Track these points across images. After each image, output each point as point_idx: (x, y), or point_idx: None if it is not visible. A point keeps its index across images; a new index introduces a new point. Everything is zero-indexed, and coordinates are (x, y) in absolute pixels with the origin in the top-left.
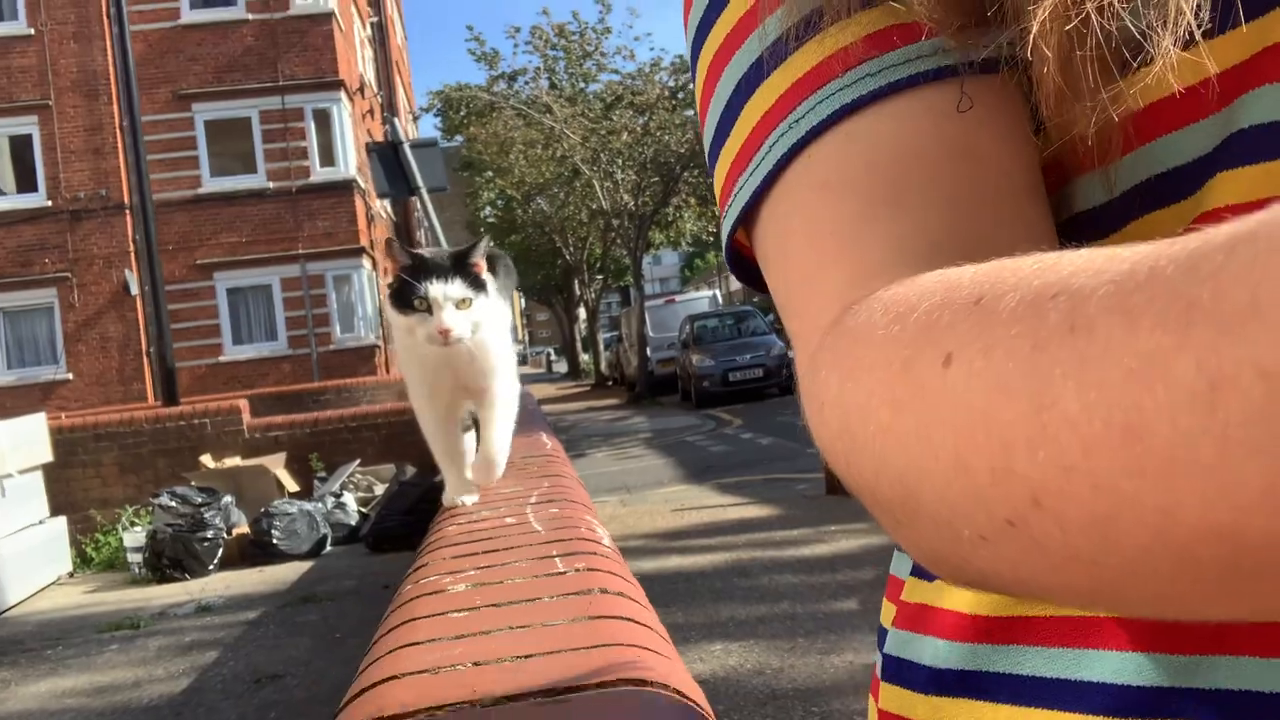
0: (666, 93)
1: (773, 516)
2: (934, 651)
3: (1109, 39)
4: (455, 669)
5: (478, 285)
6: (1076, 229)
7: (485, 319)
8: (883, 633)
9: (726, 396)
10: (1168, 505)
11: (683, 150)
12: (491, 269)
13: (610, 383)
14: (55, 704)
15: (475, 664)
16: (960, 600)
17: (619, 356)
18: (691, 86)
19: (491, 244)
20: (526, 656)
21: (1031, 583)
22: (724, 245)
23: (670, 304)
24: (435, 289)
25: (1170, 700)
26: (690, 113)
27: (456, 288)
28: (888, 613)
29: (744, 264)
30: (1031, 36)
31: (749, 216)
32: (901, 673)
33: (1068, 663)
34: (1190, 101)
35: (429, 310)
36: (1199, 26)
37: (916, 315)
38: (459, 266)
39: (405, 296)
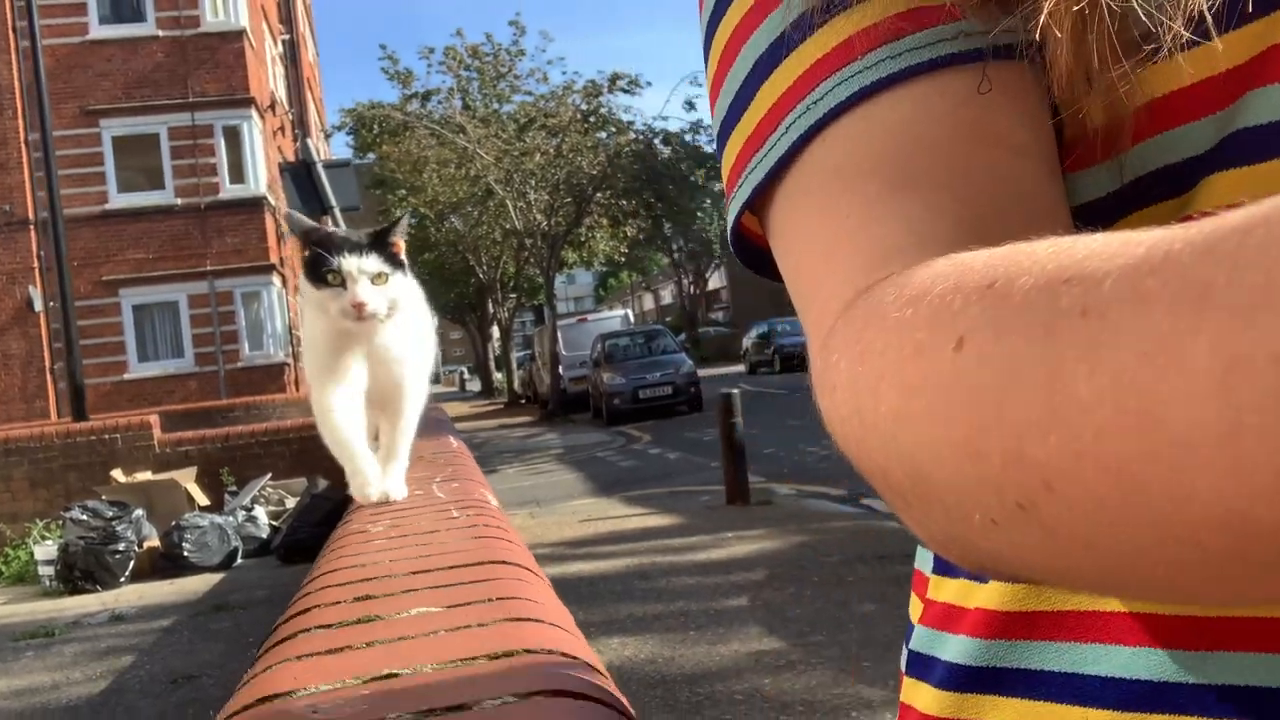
0: (579, 115)
1: (674, 525)
2: (956, 648)
3: (1120, 22)
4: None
5: (395, 263)
6: (1081, 220)
7: (402, 299)
8: (910, 628)
9: (636, 413)
10: (1178, 492)
11: (594, 172)
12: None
13: (524, 401)
14: None
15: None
16: (985, 598)
17: (532, 375)
18: (603, 110)
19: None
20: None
21: (1041, 567)
22: (729, 227)
23: (583, 323)
24: (350, 262)
25: (1179, 695)
26: (602, 135)
27: (372, 262)
28: (915, 609)
29: (748, 248)
30: (1044, 16)
31: (759, 199)
32: (924, 669)
33: (1078, 657)
34: (1196, 97)
35: (343, 284)
36: (1209, 8)
37: (929, 299)
38: (376, 243)
39: (318, 269)
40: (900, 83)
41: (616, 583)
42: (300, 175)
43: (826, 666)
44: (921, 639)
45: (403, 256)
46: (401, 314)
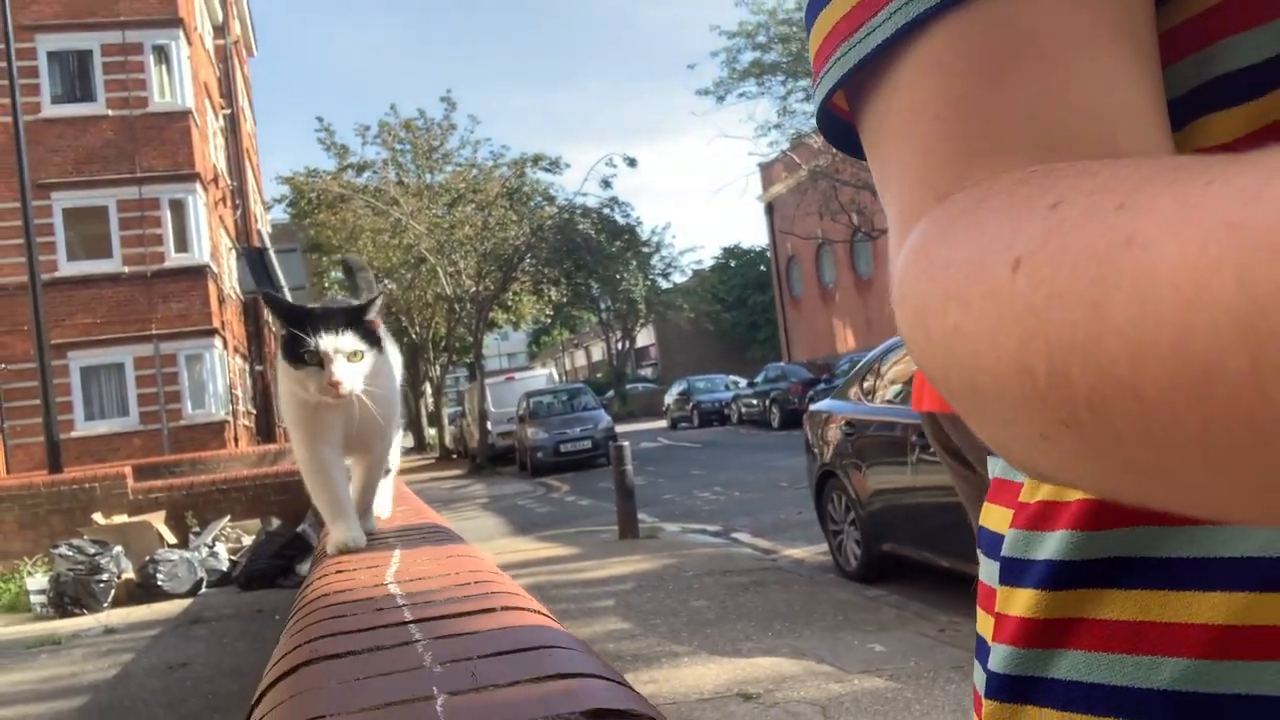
0: (505, 190)
1: (571, 554)
2: (1055, 545)
3: None
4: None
5: (371, 339)
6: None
7: (376, 373)
8: (995, 541)
9: (558, 466)
10: (1209, 420)
11: (519, 243)
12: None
13: (455, 455)
14: (10, 690)
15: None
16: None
17: (463, 430)
18: (525, 188)
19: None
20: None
21: (1091, 480)
22: (816, 106)
23: (510, 380)
24: (326, 342)
25: None
26: (531, 204)
27: (348, 340)
28: (1002, 517)
29: (837, 126)
30: None
31: (851, 84)
32: (1019, 573)
33: (1212, 541)
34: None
35: (320, 364)
36: None
37: (996, 217)
38: (352, 320)
39: (295, 349)
40: None
41: None
42: (255, 258)
43: (654, 636)
44: (1015, 543)
45: (379, 332)
46: (376, 383)
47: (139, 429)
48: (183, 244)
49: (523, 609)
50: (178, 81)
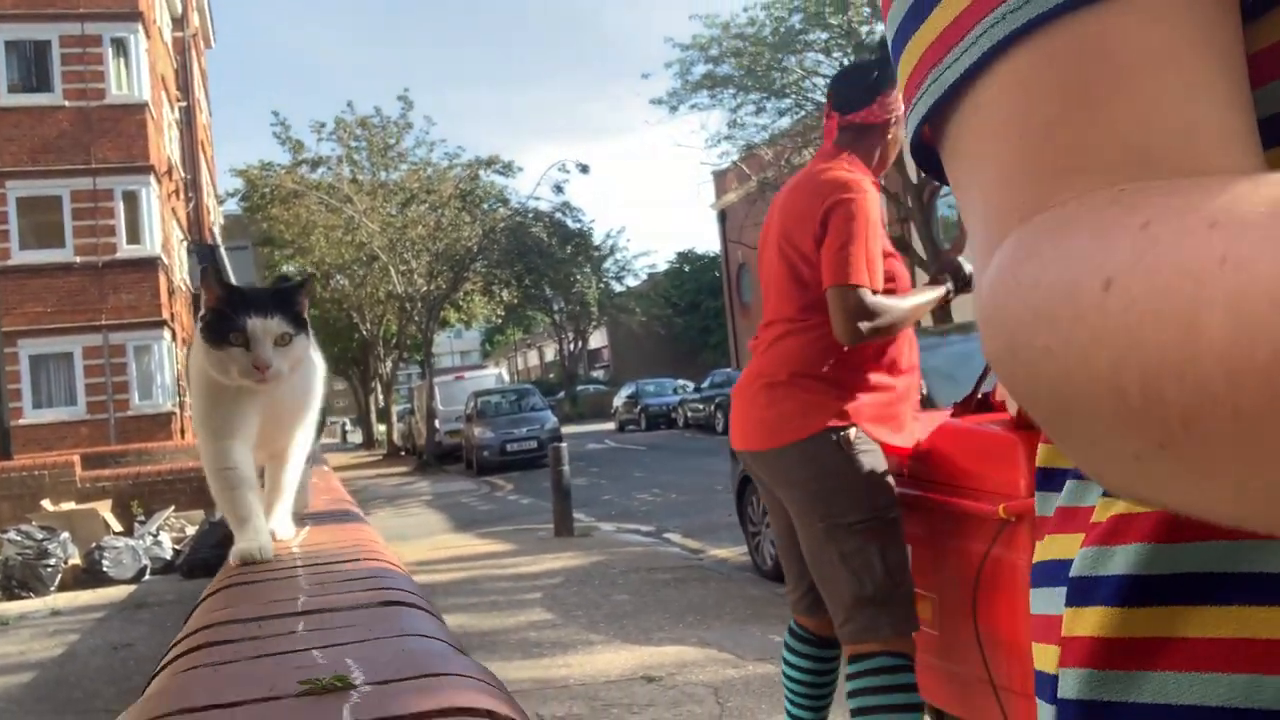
0: (458, 192)
1: (506, 550)
2: (1128, 559)
3: None
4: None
5: (298, 323)
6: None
7: (303, 357)
8: (1051, 569)
9: (504, 465)
10: None
11: (471, 244)
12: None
13: (403, 453)
14: None
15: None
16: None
17: (411, 428)
18: (479, 190)
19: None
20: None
21: (1187, 501)
22: (909, 139)
23: (460, 379)
24: (254, 323)
25: None
26: (484, 206)
27: (276, 323)
28: (1067, 543)
29: (931, 156)
30: None
31: (938, 113)
32: (1087, 593)
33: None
34: None
35: (245, 345)
36: None
37: (1085, 236)
38: (281, 302)
39: (221, 329)
40: (1090, 2)
41: (451, 586)
42: (205, 254)
43: (574, 626)
44: (1084, 561)
45: (306, 315)
46: (300, 369)
47: (86, 418)
48: (135, 235)
49: (377, 559)
50: (135, 74)
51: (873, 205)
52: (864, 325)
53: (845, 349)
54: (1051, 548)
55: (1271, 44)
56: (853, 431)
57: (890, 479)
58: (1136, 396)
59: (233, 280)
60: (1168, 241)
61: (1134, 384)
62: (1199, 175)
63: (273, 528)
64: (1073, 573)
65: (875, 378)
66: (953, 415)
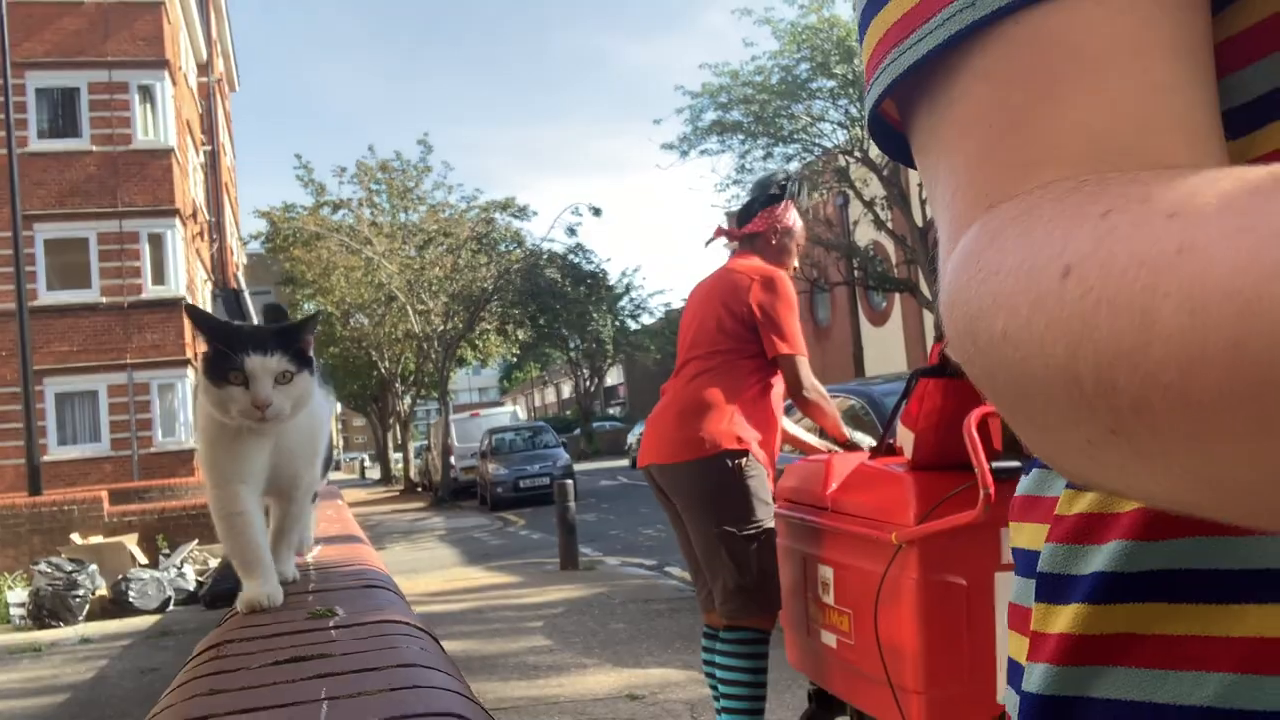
0: (475, 234)
1: (514, 582)
2: (1108, 557)
3: None
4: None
5: (301, 361)
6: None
7: (306, 396)
8: (1028, 571)
9: (517, 501)
10: (1262, 427)
11: (487, 285)
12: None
13: (420, 489)
14: (2, 687)
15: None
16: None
17: (428, 464)
18: (494, 234)
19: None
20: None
21: (1139, 488)
22: (867, 113)
23: (475, 417)
24: (253, 360)
25: None
26: (501, 247)
27: (277, 360)
28: (1035, 533)
29: (890, 135)
30: None
31: (899, 90)
32: (1059, 589)
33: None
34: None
35: (245, 384)
36: None
37: (1047, 224)
38: (284, 341)
39: (220, 367)
40: None
41: (458, 615)
42: (230, 299)
43: (570, 651)
44: (1054, 558)
45: (310, 353)
46: (305, 410)
47: (110, 454)
48: (160, 277)
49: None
50: (161, 120)
51: (793, 290)
52: (808, 395)
53: (746, 395)
54: (1019, 536)
55: (1237, 33)
56: (745, 459)
57: (770, 499)
58: (1090, 383)
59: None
60: (1126, 230)
61: (1088, 371)
62: (1162, 167)
63: (279, 570)
64: (1041, 568)
65: (765, 417)
66: (869, 459)
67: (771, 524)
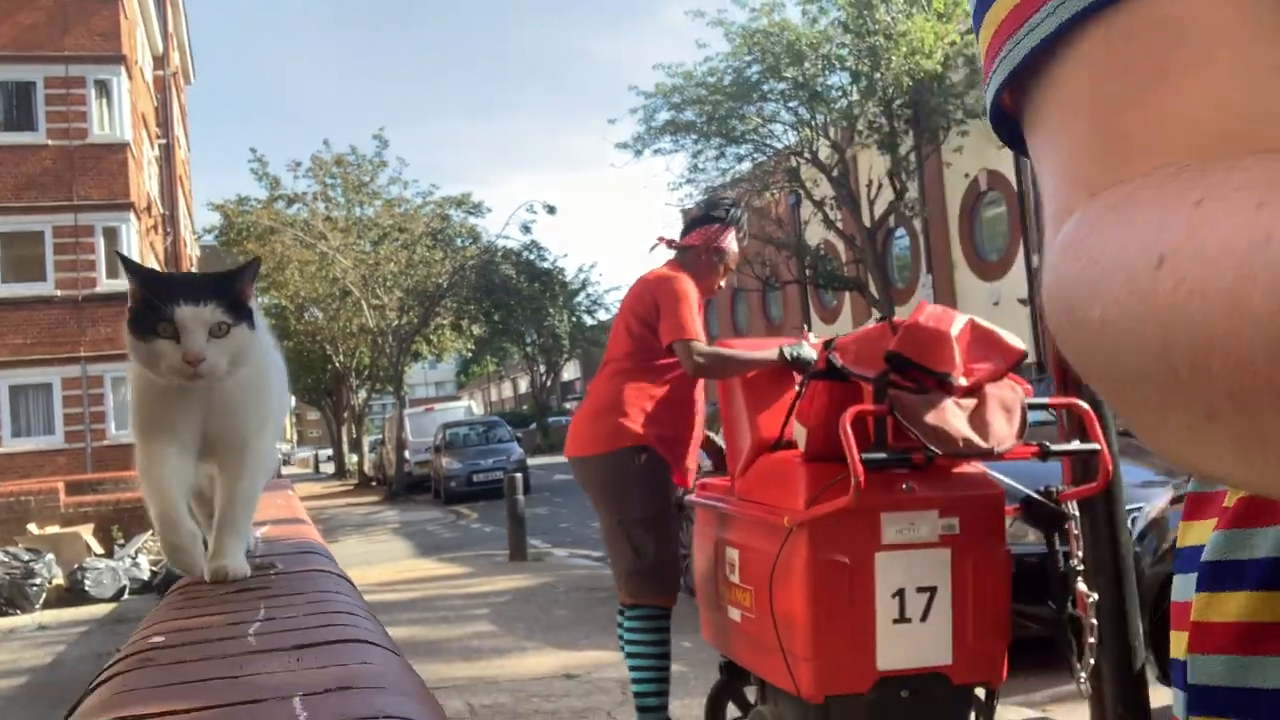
0: (430, 229)
1: (462, 573)
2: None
3: None
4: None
5: (239, 312)
6: None
7: (247, 351)
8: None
9: (470, 495)
10: None
11: (441, 280)
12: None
13: (374, 483)
14: None
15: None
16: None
17: (382, 458)
18: (449, 230)
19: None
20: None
21: (1239, 474)
22: (988, 106)
23: (430, 411)
24: (184, 311)
25: None
26: (457, 242)
27: (211, 310)
28: (1201, 528)
29: (1005, 122)
30: None
31: (1015, 81)
32: (1225, 577)
33: None
34: None
35: (175, 337)
36: None
37: (1144, 212)
38: (218, 289)
39: (147, 319)
40: None
41: (407, 604)
42: None
43: (512, 636)
44: (1219, 546)
45: (251, 304)
46: (247, 367)
47: (64, 447)
48: (114, 270)
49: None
50: (117, 114)
51: (692, 288)
52: (701, 362)
53: (654, 394)
54: (1188, 535)
55: None
56: (646, 453)
57: (669, 491)
58: (1185, 370)
59: None
60: (1218, 219)
61: (1183, 359)
62: (1272, 153)
63: (223, 564)
64: (1206, 557)
65: (672, 417)
66: (770, 450)
67: (670, 514)
